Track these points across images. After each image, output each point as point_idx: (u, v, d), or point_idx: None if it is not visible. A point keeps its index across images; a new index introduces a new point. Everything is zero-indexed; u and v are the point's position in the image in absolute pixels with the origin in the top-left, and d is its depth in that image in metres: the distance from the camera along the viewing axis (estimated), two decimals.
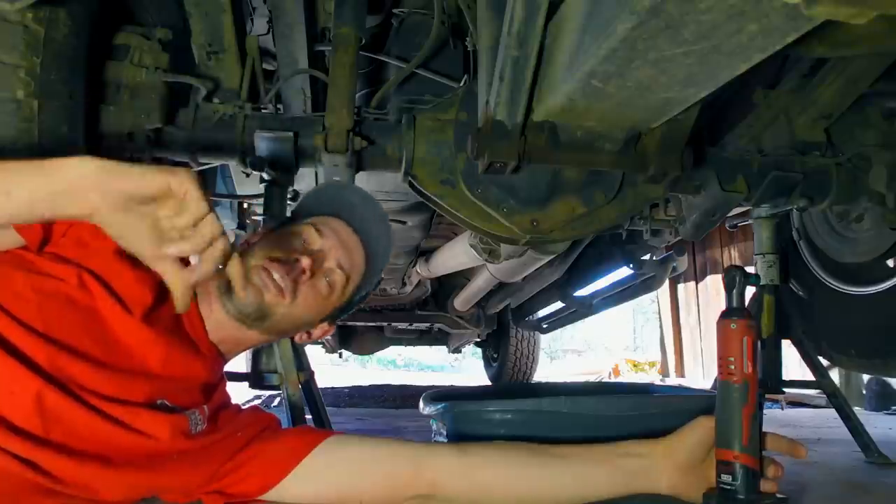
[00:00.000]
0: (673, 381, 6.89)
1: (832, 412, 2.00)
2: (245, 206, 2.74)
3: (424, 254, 3.18)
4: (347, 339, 4.98)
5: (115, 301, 0.94)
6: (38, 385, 0.83)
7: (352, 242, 1.14)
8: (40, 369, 0.84)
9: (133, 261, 0.95)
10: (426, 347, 5.60)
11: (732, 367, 1.02)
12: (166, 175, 0.73)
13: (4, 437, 0.81)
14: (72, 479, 0.86)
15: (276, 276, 1.03)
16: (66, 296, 0.91)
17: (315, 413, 1.77)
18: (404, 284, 3.60)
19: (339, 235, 1.12)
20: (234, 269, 0.83)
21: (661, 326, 7.79)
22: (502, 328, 4.78)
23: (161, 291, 0.99)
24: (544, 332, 4.19)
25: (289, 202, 1.58)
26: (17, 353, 0.84)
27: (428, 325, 4.49)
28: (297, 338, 1.20)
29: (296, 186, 2.08)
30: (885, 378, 3.64)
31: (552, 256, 2.31)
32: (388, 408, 4.01)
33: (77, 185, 0.73)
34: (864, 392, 3.98)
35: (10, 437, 0.81)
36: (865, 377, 4.03)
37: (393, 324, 4.50)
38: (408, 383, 6.63)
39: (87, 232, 0.95)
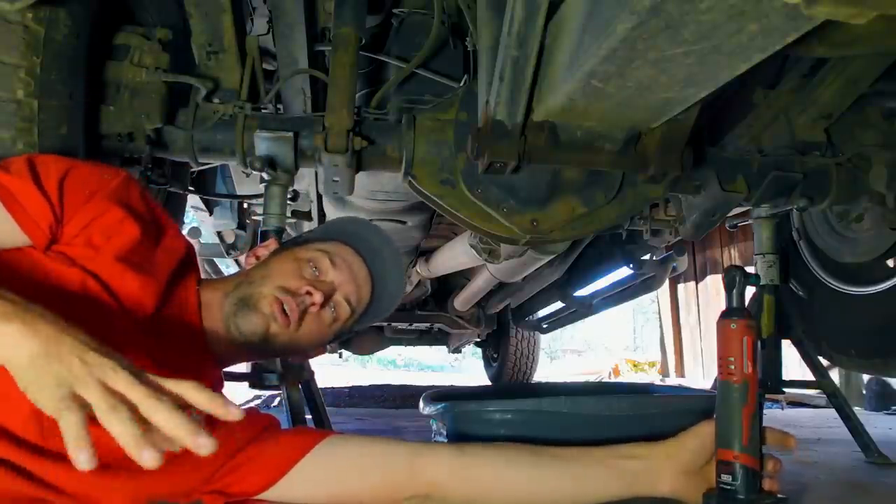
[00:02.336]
0: (673, 381, 6.89)
1: (832, 412, 2.00)
2: (245, 206, 2.75)
3: (424, 254, 3.18)
4: (347, 339, 4.98)
5: (117, 307, 0.93)
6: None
7: (362, 277, 1.13)
8: None
9: (138, 266, 0.95)
10: (426, 347, 5.59)
11: (732, 367, 1.02)
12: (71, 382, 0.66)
13: (1, 447, 0.80)
14: (71, 489, 0.85)
15: (286, 307, 1.04)
16: (68, 300, 0.90)
17: (315, 413, 1.77)
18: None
19: (351, 269, 1.12)
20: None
21: (661, 326, 7.78)
22: (502, 328, 4.77)
23: (164, 298, 0.99)
24: (544, 332, 4.19)
25: (289, 202, 1.58)
26: None
27: (428, 325, 4.49)
28: (290, 359, 1.21)
29: (296, 186, 2.09)
30: (885, 378, 3.64)
31: (552, 256, 2.31)
32: (388, 408, 4.01)
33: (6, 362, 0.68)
34: (864, 392, 3.98)
35: (6, 447, 0.80)
36: (865, 377, 4.03)
37: (393, 324, 4.50)
38: (408, 383, 6.62)
39: (97, 234, 0.94)
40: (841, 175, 1.57)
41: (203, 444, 0.64)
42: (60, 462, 0.83)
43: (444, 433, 1.29)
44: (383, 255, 1.18)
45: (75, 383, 0.66)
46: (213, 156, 1.51)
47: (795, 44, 0.78)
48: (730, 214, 1.83)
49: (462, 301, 3.85)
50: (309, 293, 1.05)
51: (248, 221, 2.75)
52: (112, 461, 0.88)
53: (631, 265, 2.59)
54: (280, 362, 1.62)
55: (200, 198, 2.47)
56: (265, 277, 1.07)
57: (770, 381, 1.93)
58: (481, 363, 6.04)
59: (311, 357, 1.24)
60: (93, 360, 0.68)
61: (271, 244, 1.18)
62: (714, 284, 6.49)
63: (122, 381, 0.66)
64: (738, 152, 1.54)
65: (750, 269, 1.19)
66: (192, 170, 1.94)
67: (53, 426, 0.82)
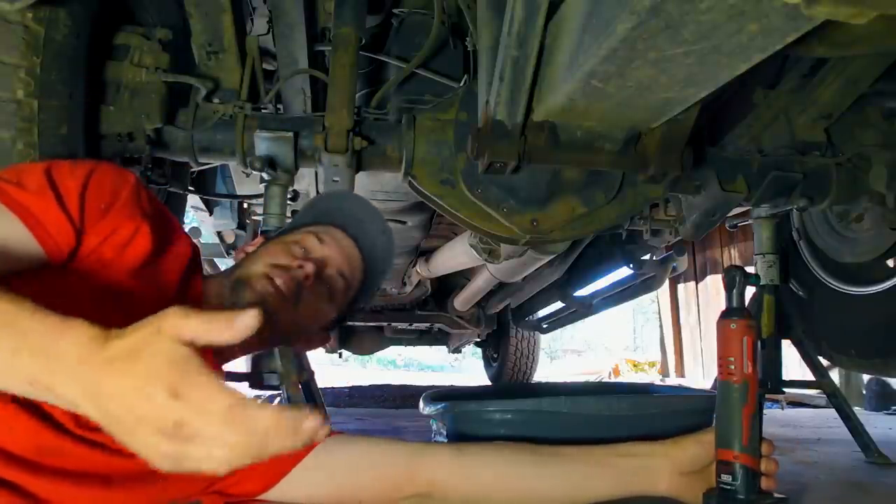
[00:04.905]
0: (673, 381, 6.89)
1: (832, 412, 2.00)
2: (245, 206, 2.75)
3: (424, 254, 3.18)
4: (347, 339, 4.98)
5: (129, 321, 0.92)
6: (37, 427, 0.81)
7: (351, 251, 1.13)
8: (40, 408, 0.81)
9: (147, 280, 0.95)
10: (426, 347, 5.59)
11: (732, 367, 1.02)
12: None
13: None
14: None
15: (278, 281, 1.02)
16: (78, 316, 0.89)
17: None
18: (404, 284, 3.60)
19: (339, 243, 1.11)
20: None
21: (661, 326, 7.78)
22: (502, 328, 4.77)
23: (174, 304, 0.98)
24: (544, 332, 4.18)
25: (289, 202, 1.58)
26: None
27: (428, 325, 4.49)
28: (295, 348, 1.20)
29: (296, 186, 2.09)
30: (885, 378, 3.64)
31: (552, 256, 2.31)
32: (388, 408, 4.01)
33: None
34: (864, 392, 3.98)
35: (4, 466, 0.79)
36: (865, 377, 4.03)
37: (393, 324, 4.49)
38: (408, 383, 6.61)
39: (110, 249, 0.92)
40: (841, 175, 1.57)
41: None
42: (59, 479, 0.82)
43: (444, 433, 1.29)
44: (367, 227, 1.17)
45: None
46: (213, 156, 1.51)
47: (795, 44, 0.78)
48: (730, 214, 1.83)
49: (462, 301, 3.85)
50: (301, 266, 1.04)
51: (248, 221, 2.75)
52: (113, 474, 0.88)
53: (631, 265, 2.59)
54: (280, 362, 1.62)
55: (200, 198, 2.47)
56: (256, 259, 1.06)
57: (770, 381, 1.93)
58: (481, 363, 6.04)
59: (314, 346, 1.23)
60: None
61: (258, 241, 1.18)
62: (714, 284, 6.48)
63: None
64: (738, 152, 1.54)
65: (750, 269, 1.19)
66: (192, 170, 1.94)
67: (51, 444, 0.82)
